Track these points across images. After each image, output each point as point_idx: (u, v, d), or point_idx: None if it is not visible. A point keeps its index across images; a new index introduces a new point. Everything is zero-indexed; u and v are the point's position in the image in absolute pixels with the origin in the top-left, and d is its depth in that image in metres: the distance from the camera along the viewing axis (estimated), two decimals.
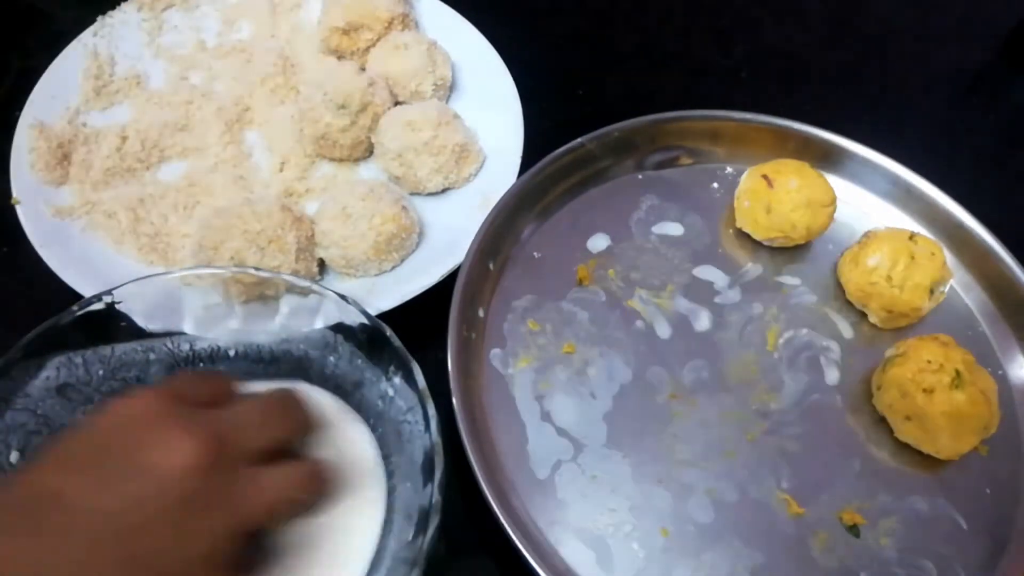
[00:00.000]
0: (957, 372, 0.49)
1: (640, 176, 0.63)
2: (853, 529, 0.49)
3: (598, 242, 0.59)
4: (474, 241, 0.54)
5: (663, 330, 0.56)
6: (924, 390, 0.49)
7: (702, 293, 0.58)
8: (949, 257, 0.57)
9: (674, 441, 0.51)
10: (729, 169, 0.64)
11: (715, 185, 0.63)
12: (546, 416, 0.51)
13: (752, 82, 0.75)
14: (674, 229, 0.61)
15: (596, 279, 0.58)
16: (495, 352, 0.53)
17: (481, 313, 0.54)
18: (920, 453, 0.51)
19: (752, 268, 0.59)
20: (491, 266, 0.56)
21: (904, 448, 0.52)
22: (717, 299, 0.57)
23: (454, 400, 0.48)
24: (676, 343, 0.55)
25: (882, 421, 0.53)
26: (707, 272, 0.59)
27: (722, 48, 0.78)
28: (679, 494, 0.49)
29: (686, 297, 0.57)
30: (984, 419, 0.49)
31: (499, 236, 0.56)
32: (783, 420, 0.52)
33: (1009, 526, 0.49)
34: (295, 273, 0.52)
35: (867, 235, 0.57)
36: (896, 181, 0.61)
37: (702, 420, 0.52)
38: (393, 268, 0.57)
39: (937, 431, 0.49)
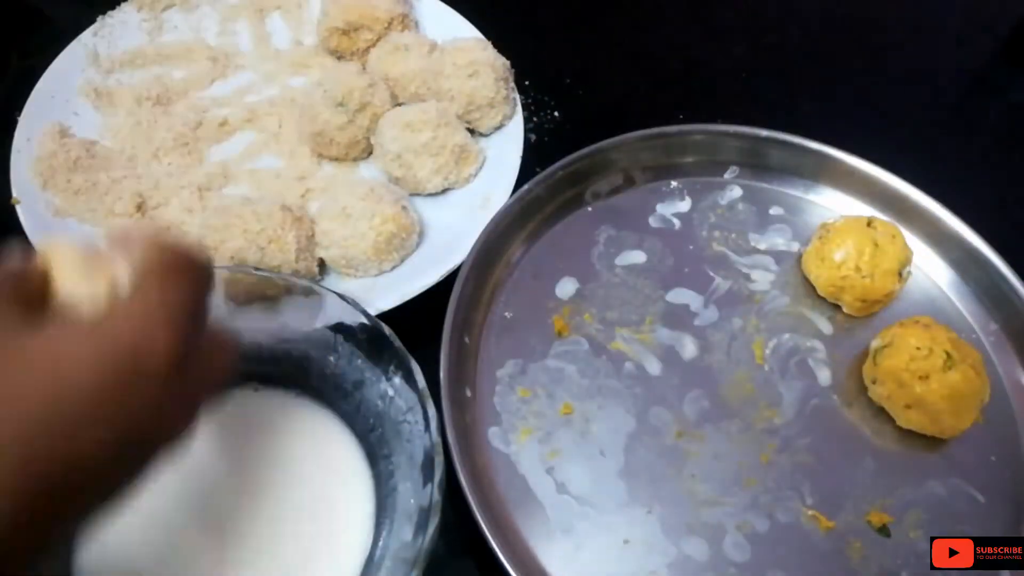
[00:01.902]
0: (947, 353, 0.50)
1: (590, 208, 0.61)
2: (883, 530, 0.49)
3: (566, 287, 0.57)
4: (447, 320, 0.51)
5: (653, 366, 0.54)
6: (920, 377, 0.50)
7: (681, 318, 0.56)
8: (905, 233, 0.58)
9: (693, 482, 0.50)
10: (674, 184, 0.63)
11: (664, 202, 0.62)
12: (562, 488, 0.49)
13: (752, 82, 0.75)
14: (637, 257, 0.59)
15: (574, 327, 0.55)
16: (493, 431, 0.51)
17: (468, 393, 0.51)
18: (924, 435, 0.52)
19: (722, 283, 0.58)
20: (467, 339, 0.53)
21: (908, 433, 0.52)
22: (696, 321, 0.56)
23: (469, 497, 0.45)
24: (669, 377, 0.54)
25: (880, 410, 0.53)
26: (680, 295, 0.58)
27: (722, 48, 0.77)
28: (712, 538, 0.48)
29: (666, 326, 0.56)
30: (980, 393, 0.50)
31: (469, 305, 0.54)
32: (790, 433, 0.52)
33: (1020, 490, 0.51)
34: (295, 273, 0.52)
35: (825, 228, 0.58)
36: (838, 167, 0.62)
37: (714, 453, 0.51)
38: (393, 268, 0.56)
39: (939, 414, 0.50)
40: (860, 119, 0.72)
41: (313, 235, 0.55)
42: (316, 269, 0.55)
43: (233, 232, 0.51)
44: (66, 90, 0.63)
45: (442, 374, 0.49)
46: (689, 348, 0.55)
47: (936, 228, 0.59)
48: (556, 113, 0.69)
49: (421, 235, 0.58)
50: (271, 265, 0.52)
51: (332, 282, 0.56)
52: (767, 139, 0.62)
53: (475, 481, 0.47)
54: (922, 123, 0.74)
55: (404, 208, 0.56)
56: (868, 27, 0.81)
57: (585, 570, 0.46)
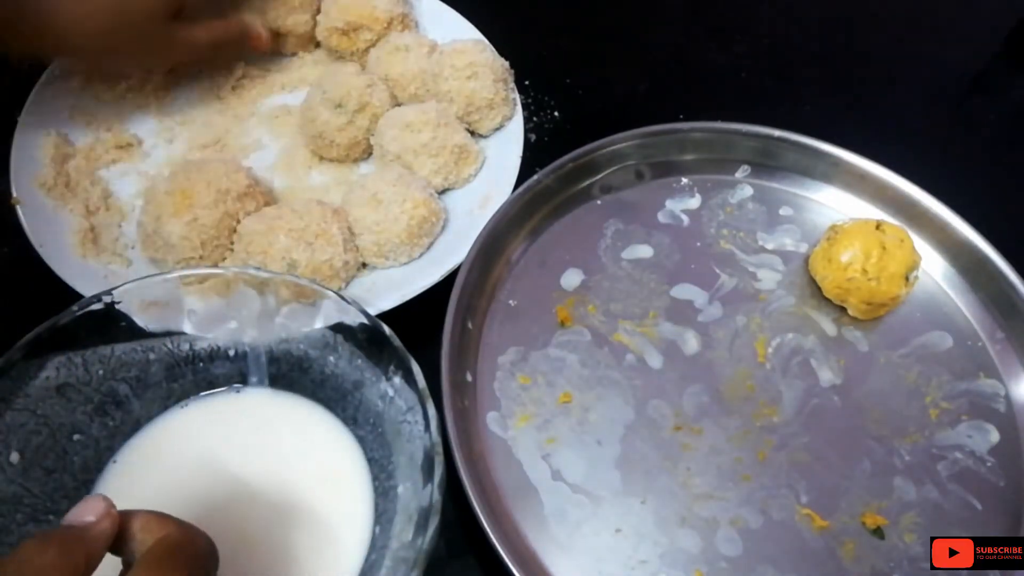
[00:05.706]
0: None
1: (599, 202, 0.61)
2: (878, 532, 0.49)
3: (571, 278, 0.58)
4: (451, 303, 0.51)
5: (654, 360, 0.54)
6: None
7: (684, 314, 0.57)
8: (914, 238, 0.58)
9: (688, 475, 0.50)
10: (684, 180, 0.63)
11: (674, 199, 0.62)
12: (557, 475, 0.49)
13: (752, 82, 0.75)
14: (643, 251, 0.59)
15: (577, 318, 0.56)
16: (491, 416, 0.51)
17: (469, 377, 0.52)
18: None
19: (727, 280, 0.58)
20: (469, 324, 0.53)
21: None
22: (700, 317, 0.56)
23: (464, 480, 0.45)
24: (670, 371, 0.54)
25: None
26: (684, 291, 0.58)
27: (722, 47, 0.77)
28: (704, 531, 0.48)
29: (670, 321, 0.56)
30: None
31: (472, 291, 0.54)
32: (788, 432, 0.52)
33: (1018, 499, 0.50)
34: (345, 264, 0.53)
35: (833, 229, 0.57)
36: (850, 169, 0.61)
37: (711, 447, 0.51)
38: (421, 255, 0.57)
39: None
40: (860, 119, 0.72)
41: (350, 224, 0.55)
42: (360, 258, 0.55)
43: (277, 234, 0.52)
44: (67, 88, 0.63)
45: (443, 357, 0.49)
46: (691, 343, 0.55)
47: (946, 235, 0.59)
48: (556, 113, 0.69)
49: (445, 223, 0.58)
50: (323, 259, 0.52)
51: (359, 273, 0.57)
52: (780, 139, 0.62)
53: (471, 465, 0.47)
54: (921, 123, 0.73)
55: (431, 195, 0.56)
56: (868, 27, 0.81)
57: (576, 557, 0.47)
